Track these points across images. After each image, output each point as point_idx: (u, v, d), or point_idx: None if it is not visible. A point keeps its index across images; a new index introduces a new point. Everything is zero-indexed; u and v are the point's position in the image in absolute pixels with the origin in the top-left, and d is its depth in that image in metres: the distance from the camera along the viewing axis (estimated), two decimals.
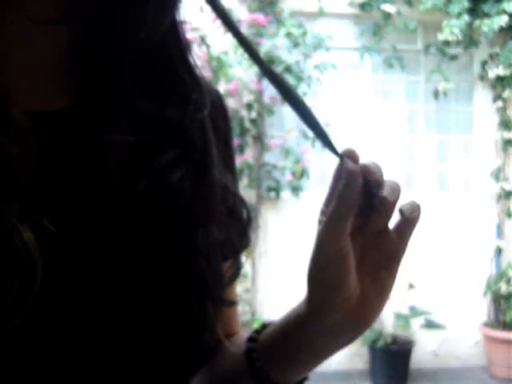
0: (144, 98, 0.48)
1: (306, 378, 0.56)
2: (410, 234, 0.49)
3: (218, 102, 0.60)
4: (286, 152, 4.09)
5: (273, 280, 4.09)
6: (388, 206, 0.47)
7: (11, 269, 0.39)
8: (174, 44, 0.50)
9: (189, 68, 0.51)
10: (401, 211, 0.49)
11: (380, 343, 3.96)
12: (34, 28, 0.46)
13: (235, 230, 0.56)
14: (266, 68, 0.44)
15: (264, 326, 0.56)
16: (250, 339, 0.55)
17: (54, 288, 0.42)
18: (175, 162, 0.48)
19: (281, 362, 0.53)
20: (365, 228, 0.48)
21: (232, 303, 0.59)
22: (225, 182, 0.54)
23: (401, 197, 0.48)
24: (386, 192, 0.46)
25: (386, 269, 0.49)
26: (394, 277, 0.50)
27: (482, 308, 4.44)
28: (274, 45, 3.97)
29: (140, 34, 0.47)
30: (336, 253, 0.46)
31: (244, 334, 0.59)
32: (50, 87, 0.48)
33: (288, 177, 4.09)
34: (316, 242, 0.48)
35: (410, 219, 0.49)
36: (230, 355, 0.58)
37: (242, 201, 0.58)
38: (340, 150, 0.46)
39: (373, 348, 4.03)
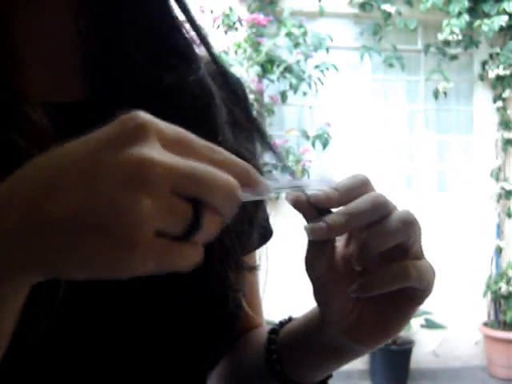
0: (151, 73, 0.50)
1: (330, 376, 0.55)
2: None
3: (237, 82, 0.62)
4: (286, 152, 4.08)
5: (273, 280, 4.09)
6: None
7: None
8: (165, 13, 0.53)
9: (180, 32, 0.54)
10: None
11: None
12: (48, 20, 0.46)
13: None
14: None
15: (289, 319, 0.56)
16: (272, 331, 0.55)
17: (77, 289, 0.42)
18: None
19: (295, 360, 0.53)
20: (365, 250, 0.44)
21: (251, 268, 0.59)
22: (236, 147, 0.54)
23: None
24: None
25: (391, 302, 0.46)
26: (402, 314, 0.46)
27: (482, 308, 4.44)
28: (274, 45, 3.97)
29: (147, 10, 0.49)
30: (316, 280, 0.45)
31: (268, 327, 0.58)
32: (64, 78, 0.49)
33: (288, 177, 4.08)
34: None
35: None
36: (250, 347, 0.59)
37: (256, 168, 0.57)
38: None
39: None
